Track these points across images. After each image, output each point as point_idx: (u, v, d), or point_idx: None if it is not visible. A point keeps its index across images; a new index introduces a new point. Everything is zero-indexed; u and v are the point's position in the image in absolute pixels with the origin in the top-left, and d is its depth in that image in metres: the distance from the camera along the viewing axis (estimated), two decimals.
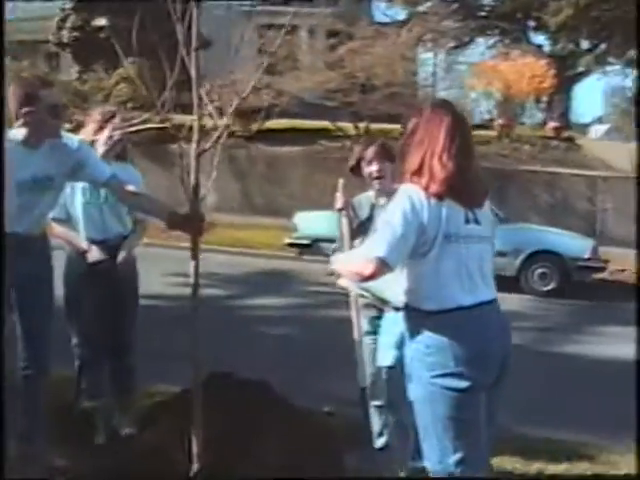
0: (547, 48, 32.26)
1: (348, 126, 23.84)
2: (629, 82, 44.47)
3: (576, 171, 21.13)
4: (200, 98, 3.67)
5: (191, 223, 3.74)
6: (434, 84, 35.36)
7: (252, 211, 20.81)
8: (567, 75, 29.30)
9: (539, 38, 33.36)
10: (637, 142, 22.10)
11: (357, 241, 4.55)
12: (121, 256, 4.89)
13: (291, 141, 22.12)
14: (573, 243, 14.55)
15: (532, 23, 31.96)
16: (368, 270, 3.06)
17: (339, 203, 4.59)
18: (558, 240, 14.25)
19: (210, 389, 4.03)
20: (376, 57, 22.87)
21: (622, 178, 21.47)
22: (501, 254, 12.37)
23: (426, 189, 3.10)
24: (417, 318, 3.17)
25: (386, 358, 4.38)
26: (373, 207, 4.68)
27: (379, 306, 4.45)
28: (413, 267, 3.14)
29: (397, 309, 3.25)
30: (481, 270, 3.23)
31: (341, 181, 4.64)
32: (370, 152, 4.62)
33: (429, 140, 3.18)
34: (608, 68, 33.62)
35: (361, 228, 4.62)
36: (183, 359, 3.77)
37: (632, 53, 29.91)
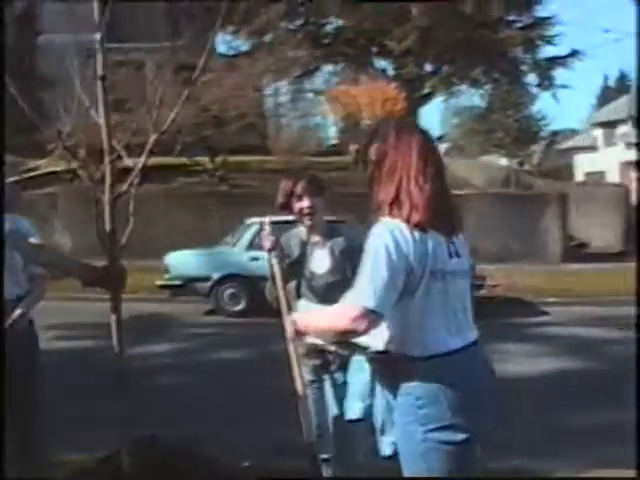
0: (391, 72, 32.74)
1: (205, 160, 23.47)
2: (476, 101, 46.16)
3: None
4: (111, 145, 3.31)
5: (111, 277, 3.32)
6: (280, 114, 35.48)
7: None
8: (415, 97, 29.83)
9: (382, 63, 33.85)
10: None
11: (291, 284, 4.20)
12: (14, 316, 4.36)
13: (148, 179, 21.42)
14: None
15: (375, 49, 32.37)
16: (362, 326, 2.67)
17: (268, 243, 4.18)
18: None
19: (133, 454, 3.65)
20: (227, 89, 22.64)
21: (480, 194, 22.02)
22: None
23: (408, 220, 2.77)
24: (403, 366, 2.82)
25: (353, 410, 3.97)
26: (304, 245, 4.32)
27: (362, 355, 3.95)
28: (396, 308, 2.77)
29: (378, 353, 2.87)
30: (464, 308, 2.95)
31: (267, 220, 4.27)
32: (300, 187, 4.23)
33: (402, 164, 2.86)
34: (453, 89, 34.39)
35: (293, 269, 4.26)
36: (89, 422, 3.35)
37: (475, 73, 30.82)
